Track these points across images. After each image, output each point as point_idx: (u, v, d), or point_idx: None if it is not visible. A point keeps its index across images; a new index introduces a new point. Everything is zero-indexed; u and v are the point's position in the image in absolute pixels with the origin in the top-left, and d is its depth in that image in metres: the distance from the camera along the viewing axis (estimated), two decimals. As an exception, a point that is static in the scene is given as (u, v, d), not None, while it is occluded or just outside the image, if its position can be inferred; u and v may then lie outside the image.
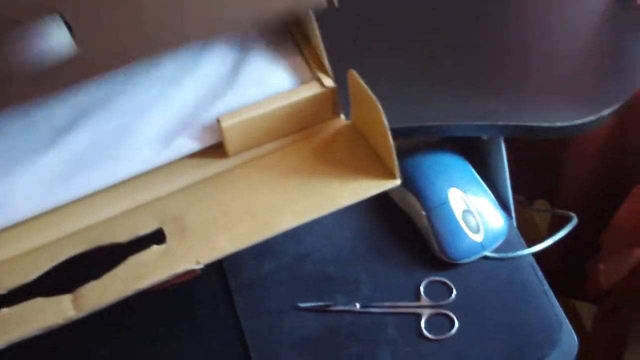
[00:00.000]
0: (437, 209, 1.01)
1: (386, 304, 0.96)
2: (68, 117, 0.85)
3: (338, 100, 0.87)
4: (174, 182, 0.86)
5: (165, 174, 0.86)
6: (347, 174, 0.84)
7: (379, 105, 0.78)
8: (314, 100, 0.86)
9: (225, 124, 0.83)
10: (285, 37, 0.91)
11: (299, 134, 0.89)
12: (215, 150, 0.87)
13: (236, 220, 0.80)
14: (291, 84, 0.88)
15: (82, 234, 0.83)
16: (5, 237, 0.82)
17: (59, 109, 0.85)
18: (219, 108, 0.86)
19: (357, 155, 0.86)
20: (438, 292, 0.99)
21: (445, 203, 0.99)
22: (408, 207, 1.06)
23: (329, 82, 0.86)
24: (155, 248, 0.78)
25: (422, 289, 0.98)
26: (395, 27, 1.10)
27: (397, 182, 0.81)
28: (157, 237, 0.81)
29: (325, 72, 0.86)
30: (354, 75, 0.82)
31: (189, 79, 0.87)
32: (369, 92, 0.79)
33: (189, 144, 0.85)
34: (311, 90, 0.85)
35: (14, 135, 0.85)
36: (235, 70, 0.87)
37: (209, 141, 0.85)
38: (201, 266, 0.76)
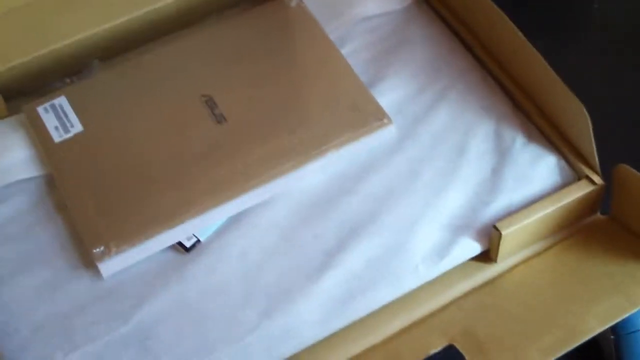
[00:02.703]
0: (626, 336, 0.89)
1: None
2: (336, 237, 0.83)
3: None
4: (446, 294, 0.84)
5: (436, 286, 0.84)
6: (628, 269, 0.82)
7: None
8: (584, 199, 0.83)
9: (505, 231, 0.80)
10: (538, 136, 0.90)
11: (563, 231, 0.87)
12: (478, 255, 0.86)
13: (537, 328, 0.77)
14: (555, 182, 0.87)
15: (366, 357, 0.80)
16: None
17: (323, 231, 0.83)
18: (488, 213, 0.85)
19: (625, 249, 0.84)
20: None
21: (637, 331, 0.88)
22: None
23: (598, 179, 0.83)
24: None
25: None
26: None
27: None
28: (450, 354, 0.77)
29: (594, 170, 0.83)
30: (626, 169, 0.81)
31: (451, 186, 0.85)
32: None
33: (462, 255, 0.83)
34: (582, 189, 0.83)
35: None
36: (497, 172, 0.85)
37: (481, 249, 0.82)
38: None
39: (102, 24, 0.96)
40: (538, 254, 0.85)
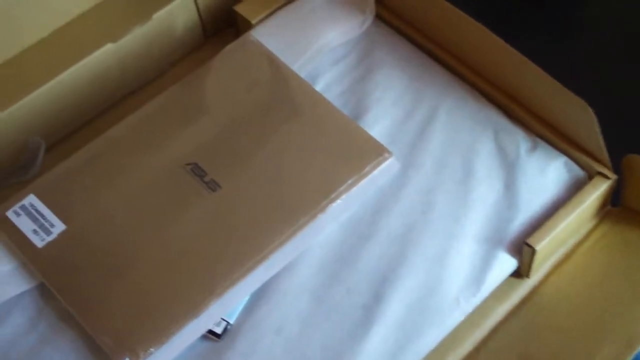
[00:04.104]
0: None
1: None
2: (369, 288, 0.79)
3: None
4: (488, 321, 0.82)
5: (475, 315, 0.82)
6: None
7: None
8: (601, 195, 0.83)
9: (538, 246, 0.78)
10: (539, 141, 0.89)
11: (581, 230, 0.87)
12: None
13: (593, 339, 0.76)
14: (567, 183, 0.86)
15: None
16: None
17: (354, 284, 0.79)
18: (513, 230, 0.83)
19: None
20: None
21: None
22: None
23: (611, 173, 0.83)
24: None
25: None
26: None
27: None
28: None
29: (605, 165, 0.82)
30: (637, 158, 0.81)
31: (469, 210, 0.82)
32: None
33: (499, 276, 0.81)
34: (599, 186, 0.83)
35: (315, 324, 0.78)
36: (510, 187, 0.83)
37: (517, 265, 0.80)
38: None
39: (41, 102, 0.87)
40: (565, 259, 0.84)
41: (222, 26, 0.99)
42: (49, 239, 0.78)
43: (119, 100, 0.94)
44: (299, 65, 0.90)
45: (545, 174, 0.84)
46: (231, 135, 0.83)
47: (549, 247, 0.80)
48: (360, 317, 0.77)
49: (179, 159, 0.82)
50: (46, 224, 0.79)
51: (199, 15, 0.95)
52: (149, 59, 0.94)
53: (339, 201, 0.79)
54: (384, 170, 0.82)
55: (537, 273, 0.83)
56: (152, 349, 0.73)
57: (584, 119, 0.80)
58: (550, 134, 0.86)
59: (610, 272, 0.82)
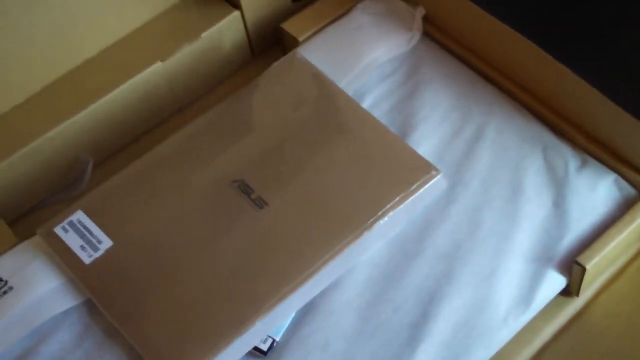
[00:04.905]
0: None
1: None
2: (416, 307, 0.79)
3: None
4: (536, 341, 0.81)
5: (523, 335, 0.81)
6: None
7: None
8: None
9: (588, 265, 0.77)
10: (588, 158, 0.88)
11: (630, 249, 0.85)
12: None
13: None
14: (617, 201, 0.85)
15: None
16: None
17: (401, 302, 0.79)
18: (562, 248, 0.81)
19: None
20: None
21: None
22: None
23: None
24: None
25: None
26: None
27: None
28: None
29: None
30: None
31: (517, 228, 0.81)
32: None
33: (547, 295, 0.80)
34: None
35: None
36: (559, 205, 0.82)
37: (566, 283, 0.79)
38: None
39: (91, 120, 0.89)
40: (615, 278, 0.83)
41: (270, 44, 0.99)
42: (96, 255, 0.79)
43: (166, 118, 0.95)
44: (346, 82, 0.89)
45: (595, 192, 0.82)
46: (278, 152, 0.83)
47: (599, 265, 0.79)
48: (406, 335, 0.76)
49: (226, 175, 0.82)
50: (93, 240, 0.79)
51: (247, 33, 0.96)
52: (197, 77, 0.95)
53: (385, 219, 0.79)
54: (432, 188, 0.81)
55: (587, 292, 0.82)
56: (198, 365, 0.72)
57: (634, 136, 0.79)
58: (600, 151, 0.85)
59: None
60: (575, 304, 0.81)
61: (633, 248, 0.83)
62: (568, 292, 0.81)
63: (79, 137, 0.88)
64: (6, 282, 0.78)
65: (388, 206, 0.79)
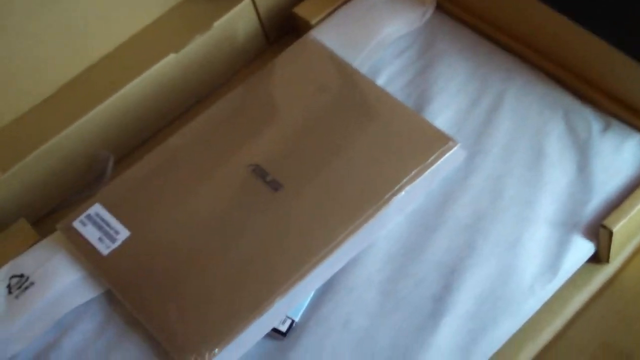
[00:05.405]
0: None
1: None
2: (438, 279, 0.77)
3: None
4: (568, 309, 0.79)
5: (553, 304, 0.78)
6: None
7: None
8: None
9: (615, 227, 0.73)
10: (612, 120, 0.84)
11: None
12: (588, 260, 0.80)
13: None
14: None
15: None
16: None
17: (423, 276, 0.76)
18: (588, 213, 0.79)
19: None
20: None
21: None
22: None
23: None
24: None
25: None
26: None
27: None
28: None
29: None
30: None
31: (541, 194, 0.78)
32: None
33: (575, 262, 0.77)
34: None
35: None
36: (583, 169, 0.79)
37: (594, 249, 0.76)
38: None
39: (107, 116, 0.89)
40: (645, 243, 0.78)
41: (284, 31, 0.99)
42: (114, 246, 0.79)
43: (184, 111, 0.94)
44: (361, 60, 0.88)
45: (620, 153, 0.80)
46: (291, 134, 0.83)
47: (628, 229, 0.76)
48: (429, 309, 0.74)
49: (240, 161, 0.82)
50: (111, 232, 0.79)
51: (260, 20, 0.95)
52: (212, 68, 0.94)
53: (403, 193, 0.77)
54: (449, 160, 0.79)
55: (618, 258, 0.79)
56: (216, 350, 0.72)
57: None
58: (624, 112, 0.83)
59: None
60: (606, 271, 0.78)
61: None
62: (598, 258, 0.78)
63: (97, 133, 0.88)
64: (27, 278, 0.78)
65: (405, 180, 0.78)
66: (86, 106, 0.87)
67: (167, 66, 0.90)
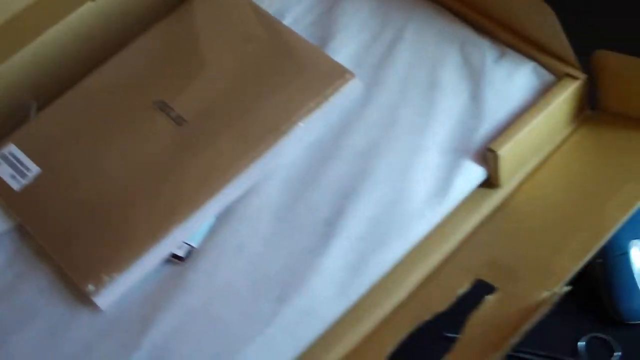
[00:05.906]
0: (614, 259, 0.83)
1: (540, 352, 0.82)
2: (331, 205, 0.79)
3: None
4: (458, 232, 0.80)
5: (445, 227, 0.80)
6: (633, 153, 0.79)
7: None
8: (570, 98, 0.80)
9: (500, 150, 0.76)
10: (507, 50, 0.87)
11: (557, 137, 0.84)
12: (481, 184, 0.82)
13: (561, 237, 0.73)
14: (536, 89, 0.83)
15: (396, 317, 0.74)
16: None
17: (317, 201, 0.79)
18: (478, 139, 0.81)
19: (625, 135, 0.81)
20: (598, 351, 0.82)
21: (625, 254, 0.83)
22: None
23: (578, 73, 0.79)
24: (490, 298, 0.70)
25: (581, 344, 0.83)
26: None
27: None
28: (480, 289, 0.72)
29: (573, 65, 0.79)
30: (606, 54, 0.78)
31: (433, 122, 0.81)
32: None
33: (465, 186, 0.79)
34: (565, 87, 0.80)
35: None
36: (476, 97, 0.81)
37: (483, 174, 0.78)
38: (559, 291, 0.68)
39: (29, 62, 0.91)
40: (540, 166, 0.81)
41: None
42: (25, 182, 0.82)
43: (105, 59, 0.97)
44: (267, 3, 0.90)
45: (513, 81, 0.82)
46: (195, 72, 0.85)
47: (517, 152, 0.78)
48: (321, 232, 0.77)
49: (147, 98, 0.84)
50: (23, 169, 0.82)
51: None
52: (133, 16, 0.97)
53: (300, 124, 0.80)
54: (346, 92, 0.82)
55: (510, 182, 0.81)
56: (116, 274, 0.75)
57: (546, 22, 0.78)
58: (519, 41, 0.84)
59: (584, 174, 0.79)
60: (498, 195, 0.81)
61: (559, 136, 0.82)
62: (491, 184, 0.80)
63: (19, 80, 0.91)
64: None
65: (302, 112, 0.80)
66: (7, 52, 0.89)
67: (85, 14, 0.92)
